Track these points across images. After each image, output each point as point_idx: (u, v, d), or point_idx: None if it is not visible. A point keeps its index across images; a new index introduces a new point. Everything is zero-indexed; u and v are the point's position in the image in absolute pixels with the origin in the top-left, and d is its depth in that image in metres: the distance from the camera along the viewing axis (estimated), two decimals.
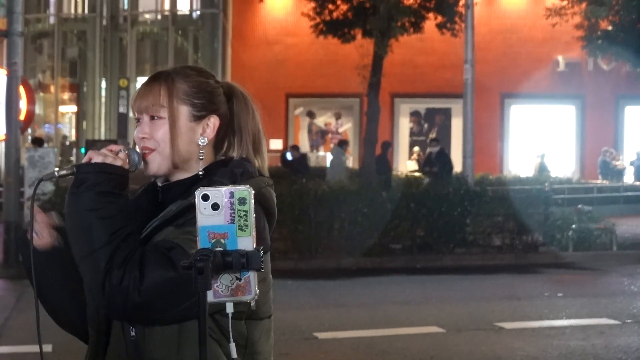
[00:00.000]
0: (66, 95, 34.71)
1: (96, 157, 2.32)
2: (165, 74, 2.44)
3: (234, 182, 2.27)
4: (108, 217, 2.24)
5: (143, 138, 2.41)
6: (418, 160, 28.36)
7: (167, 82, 2.40)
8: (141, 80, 34.96)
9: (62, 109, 34.71)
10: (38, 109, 30.70)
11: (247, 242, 1.92)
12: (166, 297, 2.15)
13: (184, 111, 2.40)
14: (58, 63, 33.94)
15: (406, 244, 15.56)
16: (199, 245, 1.92)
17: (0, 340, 9.38)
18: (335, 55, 26.75)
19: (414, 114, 30.76)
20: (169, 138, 2.38)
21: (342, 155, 21.76)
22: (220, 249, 1.91)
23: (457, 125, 27.26)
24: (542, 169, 26.17)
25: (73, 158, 32.44)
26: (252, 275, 1.92)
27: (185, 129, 2.39)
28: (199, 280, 1.88)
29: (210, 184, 2.26)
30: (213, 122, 2.42)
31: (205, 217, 1.93)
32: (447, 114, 30.36)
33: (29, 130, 29.43)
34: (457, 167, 21.24)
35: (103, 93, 33.22)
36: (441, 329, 9.71)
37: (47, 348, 8.78)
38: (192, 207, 2.03)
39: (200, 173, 2.38)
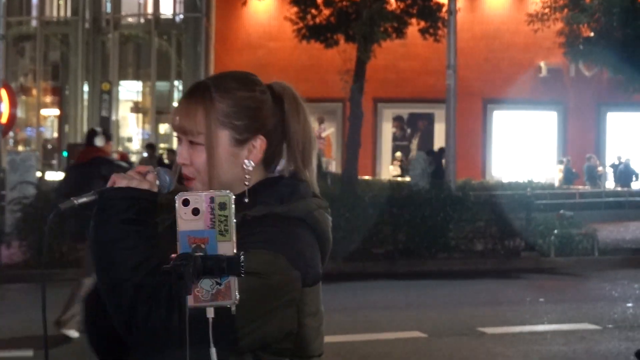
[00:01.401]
0: (48, 99, 34.64)
1: (120, 181, 2.12)
2: (203, 89, 2.21)
3: (281, 203, 2.17)
4: (132, 247, 2.06)
5: (184, 164, 2.21)
6: (400, 166, 28.43)
7: (205, 102, 2.18)
8: (124, 84, 35.17)
9: (44, 112, 34.63)
10: (20, 112, 30.60)
11: (227, 247, 1.91)
12: (196, 338, 1.93)
13: (224, 136, 2.18)
14: (40, 66, 33.86)
15: (388, 249, 15.57)
16: (179, 250, 1.91)
17: None
18: (318, 60, 26.80)
19: (397, 119, 30.83)
20: (204, 167, 2.17)
21: (425, 162, 20.57)
22: (201, 253, 1.91)
23: (439, 131, 27.33)
24: (567, 174, 26.28)
25: (55, 161, 32.35)
26: (233, 281, 1.91)
27: (226, 155, 2.19)
28: (179, 285, 1.87)
29: (255, 204, 2.16)
30: (259, 144, 2.21)
31: (185, 222, 1.92)
32: (429, 119, 30.43)
33: (11, 134, 29.32)
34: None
35: (85, 96, 33.16)
36: (423, 334, 9.72)
37: (29, 353, 8.75)
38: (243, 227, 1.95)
39: (246, 200, 2.17)
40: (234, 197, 1.93)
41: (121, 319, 2.04)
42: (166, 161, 23.02)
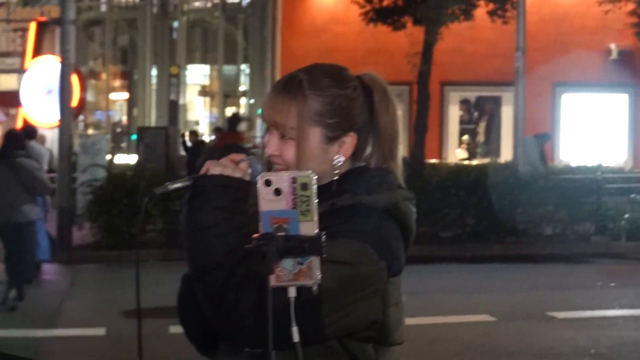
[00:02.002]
0: (117, 83, 35.04)
1: (214, 169, 2.14)
2: (297, 85, 2.19)
3: (369, 194, 2.17)
4: (224, 234, 2.08)
5: (273, 155, 2.22)
6: (468, 149, 28.24)
7: (298, 100, 2.17)
8: (192, 68, 35.37)
9: (113, 96, 35.03)
10: (90, 96, 31.04)
11: (309, 227, 1.92)
12: (284, 322, 1.92)
13: (315, 133, 2.18)
14: (109, 51, 34.26)
15: (456, 233, 15.50)
16: (261, 231, 1.92)
17: (55, 324, 9.51)
18: (384, 44, 26.65)
19: (464, 102, 30.56)
20: (295, 162, 2.17)
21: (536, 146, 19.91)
22: (283, 234, 1.92)
23: (507, 114, 27.05)
24: None
25: (124, 145, 32.76)
26: (315, 261, 1.92)
27: (317, 151, 2.18)
28: (262, 265, 1.89)
29: (342, 193, 2.16)
30: (350, 140, 2.22)
31: (267, 202, 1.93)
32: (497, 102, 30.12)
33: (81, 117, 29.76)
34: (508, 155, 21.03)
35: (154, 80, 33.47)
36: (492, 317, 9.67)
37: (101, 332, 8.90)
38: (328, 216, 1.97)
39: (333, 189, 2.18)
40: (315, 177, 1.93)
41: (211, 304, 2.07)
42: (188, 143, 23.03)
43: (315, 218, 1.93)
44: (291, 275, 1.93)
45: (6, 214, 9.93)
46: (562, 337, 8.81)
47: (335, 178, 2.21)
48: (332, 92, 2.20)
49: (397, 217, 2.21)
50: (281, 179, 1.94)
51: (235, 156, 2.21)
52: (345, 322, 2.07)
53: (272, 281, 1.91)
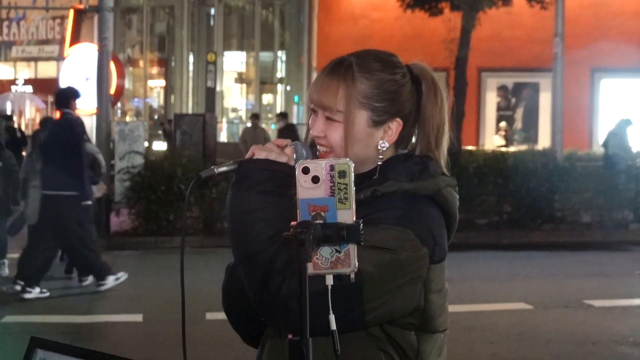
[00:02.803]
0: (155, 70, 35.22)
1: (259, 153, 2.15)
2: (346, 67, 2.20)
3: (411, 180, 2.17)
4: (268, 219, 2.09)
5: (318, 136, 2.22)
6: (505, 136, 28.09)
7: (347, 81, 2.18)
8: (229, 55, 35.51)
9: (150, 83, 35.23)
10: (127, 84, 31.21)
11: (346, 215, 1.92)
12: (326, 308, 1.88)
13: (362, 116, 2.19)
14: (147, 38, 34.44)
15: (493, 220, 15.44)
16: (299, 218, 1.92)
17: (93, 310, 9.59)
18: (421, 30, 26.55)
19: (501, 89, 30.40)
20: (341, 144, 2.18)
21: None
22: (320, 221, 1.91)
23: (545, 100, 26.88)
24: None
25: (161, 132, 32.91)
26: (352, 248, 1.92)
27: (362, 134, 2.19)
28: (299, 252, 1.89)
29: (385, 180, 2.15)
30: (395, 126, 2.23)
31: (305, 189, 1.93)
32: (535, 88, 29.93)
33: (119, 104, 29.93)
34: (546, 142, 20.88)
35: (191, 68, 33.60)
36: (529, 305, 9.63)
37: (138, 318, 8.96)
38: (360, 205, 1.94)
39: (375, 177, 2.18)
40: (353, 165, 1.93)
41: (254, 288, 2.09)
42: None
43: (353, 206, 1.92)
44: (329, 263, 1.92)
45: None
46: (600, 325, 8.76)
47: (379, 164, 2.21)
48: (381, 76, 2.21)
49: (440, 203, 2.19)
50: (319, 166, 1.93)
51: (280, 141, 2.22)
52: (386, 309, 2.08)
53: (310, 269, 1.91)
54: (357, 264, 1.92)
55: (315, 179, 1.93)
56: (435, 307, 2.17)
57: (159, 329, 8.55)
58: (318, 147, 2.25)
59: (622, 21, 28.78)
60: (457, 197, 2.27)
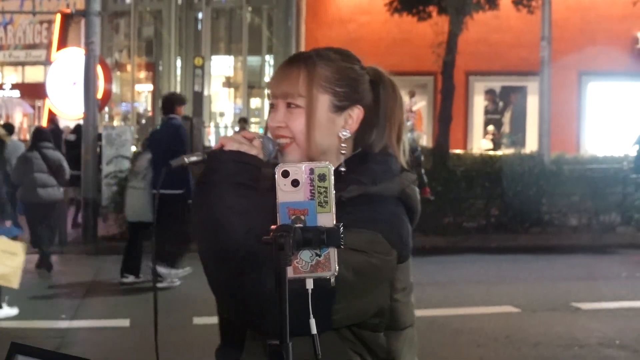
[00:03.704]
0: (142, 74, 35.15)
1: (230, 144, 2.11)
2: (306, 57, 2.23)
3: (374, 182, 2.16)
4: (242, 212, 2.04)
5: (278, 127, 2.20)
6: (493, 139, 28.14)
7: (308, 67, 2.19)
8: (216, 59, 35.39)
9: (138, 87, 35.14)
10: (115, 88, 31.13)
11: (326, 219, 1.91)
12: (304, 307, 1.87)
13: (324, 100, 2.18)
14: (134, 42, 34.36)
15: (480, 223, 15.45)
16: (279, 222, 1.91)
17: (79, 315, 9.56)
18: (409, 34, 26.58)
19: (489, 92, 30.44)
20: (304, 130, 2.17)
21: None
22: (300, 225, 1.91)
23: (532, 104, 26.92)
24: None
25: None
26: (333, 252, 1.91)
27: (324, 120, 2.18)
28: (279, 256, 1.88)
29: (348, 184, 2.13)
30: (357, 113, 2.22)
31: (285, 193, 1.92)
32: (522, 92, 29.98)
33: (106, 109, 29.87)
34: (534, 146, 20.93)
35: (178, 72, 33.55)
36: (516, 308, 9.64)
37: (125, 323, 8.94)
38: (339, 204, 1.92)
39: (343, 170, 2.18)
40: (333, 168, 1.93)
41: (228, 284, 2.03)
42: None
43: (333, 209, 1.92)
44: (309, 267, 1.92)
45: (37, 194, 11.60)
46: (587, 328, 8.77)
47: (342, 163, 2.21)
48: (341, 64, 2.23)
49: (404, 201, 2.20)
50: (299, 170, 1.93)
51: (248, 133, 2.19)
52: (353, 310, 2.06)
53: (290, 273, 1.90)
54: (337, 267, 1.91)
55: (295, 182, 1.92)
56: (401, 305, 2.18)
57: (146, 334, 8.51)
58: (278, 140, 2.22)
59: (610, 25, 28.86)
60: (418, 190, 2.28)
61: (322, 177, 1.92)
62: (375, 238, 2.08)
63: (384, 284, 2.12)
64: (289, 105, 2.19)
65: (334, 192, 1.96)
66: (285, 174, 1.93)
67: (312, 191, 1.92)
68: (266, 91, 2.27)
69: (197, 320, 8.62)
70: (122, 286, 10.84)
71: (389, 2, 20.83)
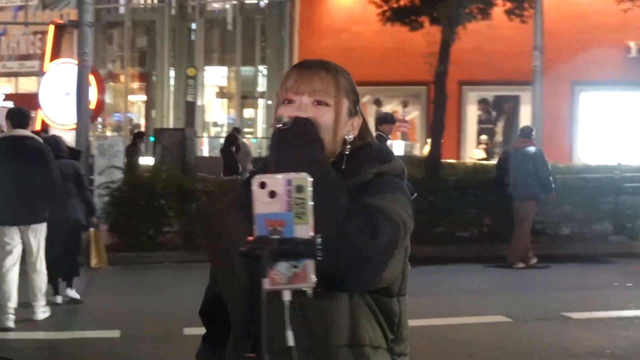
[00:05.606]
0: (136, 85, 35.16)
1: (298, 113, 2.27)
2: (326, 64, 2.39)
3: (382, 163, 2.29)
4: (333, 171, 2.18)
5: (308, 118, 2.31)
6: (485, 149, 28.16)
7: (330, 73, 2.35)
8: (210, 70, 35.38)
9: (131, 98, 35.15)
10: (108, 98, 31.14)
11: (304, 230, 1.91)
12: (386, 261, 2.11)
13: (345, 105, 2.35)
14: (128, 53, 34.37)
15: (473, 233, 15.45)
16: (256, 233, 1.91)
17: (70, 326, 9.53)
18: (402, 43, 26.60)
19: (482, 102, 30.48)
20: (332, 126, 2.30)
21: None
22: (278, 236, 1.90)
23: (525, 113, 26.94)
24: None
25: (142, 146, 32.81)
26: (310, 264, 1.91)
27: (344, 121, 2.34)
28: (256, 268, 1.87)
29: (360, 167, 2.27)
30: (357, 121, 2.41)
31: (262, 204, 1.92)
32: (515, 101, 30.02)
33: (100, 119, 29.85)
34: None
35: (172, 82, 33.56)
36: (508, 318, 9.64)
37: (115, 334, 8.91)
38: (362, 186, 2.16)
39: (347, 151, 2.34)
40: (311, 179, 1.93)
41: (338, 227, 2.04)
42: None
43: (310, 221, 1.92)
44: (286, 279, 1.91)
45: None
46: (578, 337, 8.76)
47: (346, 153, 2.35)
48: (349, 77, 2.42)
49: (406, 178, 2.37)
50: (276, 181, 1.93)
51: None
52: (389, 274, 2.19)
53: (267, 285, 1.90)
54: (314, 279, 1.91)
55: (272, 194, 1.92)
56: (407, 271, 2.31)
57: (137, 345, 8.50)
58: None
59: (602, 34, 28.92)
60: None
61: (300, 189, 1.92)
62: (406, 200, 2.26)
63: (404, 248, 2.26)
64: (317, 102, 2.31)
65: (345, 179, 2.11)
66: (263, 185, 1.93)
67: (290, 203, 1.92)
68: (286, 87, 2.33)
69: (188, 331, 8.60)
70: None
71: (381, 12, 20.84)
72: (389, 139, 11.89)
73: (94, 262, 12.14)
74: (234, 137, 21.25)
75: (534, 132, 14.33)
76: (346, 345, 2.17)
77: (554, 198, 14.05)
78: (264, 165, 2.26)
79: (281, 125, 2.21)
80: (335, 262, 2.02)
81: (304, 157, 2.13)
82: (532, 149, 13.90)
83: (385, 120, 11.84)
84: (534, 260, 13.69)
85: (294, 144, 2.17)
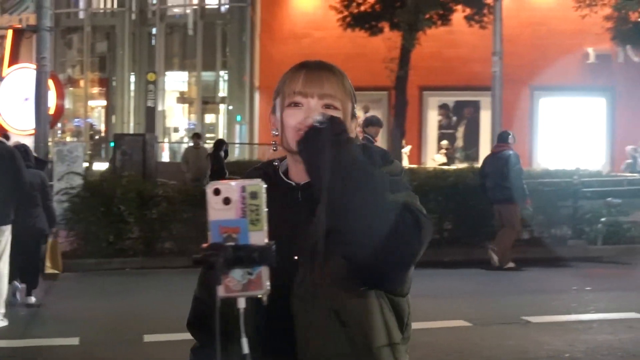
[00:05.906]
0: (95, 90, 34.96)
1: (324, 115, 2.23)
2: (330, 67, 2.39)
3: (385, 163, 2.30)
4: (376, 168, 2.19)
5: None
6: (446, 154, 28.28)
7: (338, 77, 2.35)
8: (170, 75, 35.22)
9: (91, 103, 34.95)
10: (68, 104, 30.92)
11: (258, 237, 1.90)
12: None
13: (349, 108, 2.36)
14: (88, 58, 34.17)
15: (434, 238, 15.40)
16: (210, 240, 1.90)
17: (29, 333, 9.44)
18: (363, 49, 26.69)
19: (443, 107, 30.65)
20: None
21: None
22: (232, 243, 1.89)
23: (486, 118, 27.14)
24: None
25: (103, 152, 32.64)
26: (264, 271, 1.90)
27: (348, 124, 2.34)
28: (210, 275, 1.86)
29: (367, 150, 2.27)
30: (356, 124, 2.44)
31: (216, 211, 1.91)
32: (476, 106, 30.21)
33: (59, 124, 29.62)
34: None
35: (132, 87, 33.39)
36: (468, 322, 9.67)
37: (74, 341, 8.83)
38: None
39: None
40: (265, 186, 1.92)
41: (390, 222, 2.07)
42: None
43: (265, 227, 1.91)
44: (240, 286, 1.90)
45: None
46: (537, 341, 8.82)
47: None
48: (348, 81, 2.42)
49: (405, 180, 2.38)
50: (230, 188, 1.92)
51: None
52: (410, 276, 2.31)
53: (221, 292, 1.89)
54: (268, 285, 1.90)
55: (227, 201, 1.91)
56: (412, 270, 2.35)
57: (96, 351, 8.44)
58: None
59: (561, 40, 29.18)
60: None
61: (254, 195, 1.91)
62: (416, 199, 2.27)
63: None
64: (326, 106, 2.30)
65: None
66: (217, 192, 1.92)
67: (244, 209, 1.91)
68: (293, 90, 2.30)
69: (148, 338, 8.54)
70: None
71: (342, 17, 20.90)
72: (375, 141, 12.00)
73: (48, 268, 12.06)
74: (221, 142, 21.13)
75: (510, 137, 14.44)
76: (386, 345, 2.25)
77: (530, 204, 14.16)
78: (267, 167, 2.40)
79: (317, 123, 2.17)
80: (379, 259, 2.07)
81: (347, 155, 2.10)
82: (507, 153, 14.06)
83: (372, 122, 12.09)
84: (511, 264, 13.81)
85: (334, 142, 2.12)
